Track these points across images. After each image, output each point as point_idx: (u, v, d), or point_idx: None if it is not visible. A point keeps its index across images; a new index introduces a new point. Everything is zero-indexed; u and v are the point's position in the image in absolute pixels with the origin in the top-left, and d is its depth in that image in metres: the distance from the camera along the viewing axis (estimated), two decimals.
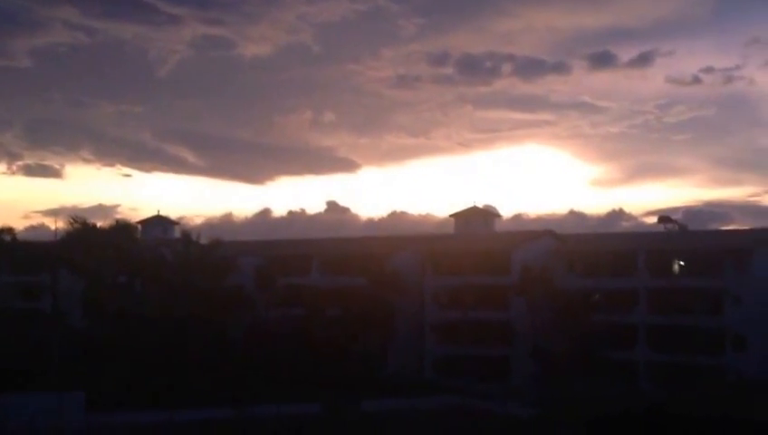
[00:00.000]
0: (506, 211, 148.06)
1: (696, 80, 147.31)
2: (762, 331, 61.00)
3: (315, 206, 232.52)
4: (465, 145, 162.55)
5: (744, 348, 60.27)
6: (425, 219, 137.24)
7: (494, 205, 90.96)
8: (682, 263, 66.49)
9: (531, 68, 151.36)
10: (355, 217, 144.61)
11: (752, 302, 60.95)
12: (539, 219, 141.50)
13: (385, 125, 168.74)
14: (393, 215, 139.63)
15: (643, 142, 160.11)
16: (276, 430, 46.43)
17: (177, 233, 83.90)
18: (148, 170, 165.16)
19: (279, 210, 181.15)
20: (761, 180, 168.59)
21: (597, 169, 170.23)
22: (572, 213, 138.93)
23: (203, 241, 71.47)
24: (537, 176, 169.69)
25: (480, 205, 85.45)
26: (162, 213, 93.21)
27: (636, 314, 65.04)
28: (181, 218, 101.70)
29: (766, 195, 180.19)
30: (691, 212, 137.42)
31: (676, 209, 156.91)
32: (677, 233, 72.37)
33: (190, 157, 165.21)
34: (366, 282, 70.13)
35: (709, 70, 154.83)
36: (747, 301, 60.98)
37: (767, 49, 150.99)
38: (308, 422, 47.46)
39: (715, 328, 61.47)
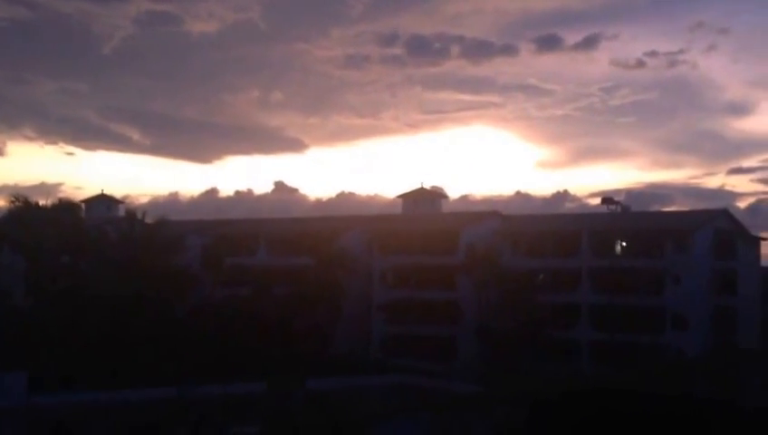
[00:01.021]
0: (453, 192, 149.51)
1: (640, 63, 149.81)
2: (700, 310, 62.70)
3: (263, 186, 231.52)
4: (414, 126, 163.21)
5: (683, 327, 61.87)
6: (373, 200, 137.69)
7: (441, 186, 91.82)
8: (624, 244, 67.83)
9: (479, 50, 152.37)
10: (303, 198, 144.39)
11: (691, 282, 62.56)
12: (486, 200, 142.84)
13: (333, 105, 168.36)
14: (341, 195, 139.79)
15: (588, 125, 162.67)
16: (222, 410, 46.28)
17: (121, 212, 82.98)
18: (92, 149, 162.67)
19: (226, 190, 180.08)
20: (701, 163, 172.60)
21: (543, 151, 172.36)
22: (519, 194, 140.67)
23: (148, 220, 70.64)
24: (484, 157, 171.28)
25: (428, 186, 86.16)
26: (106, 192, 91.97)
27: (579, 293, 66.26)
28: (126, 197, 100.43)
29: (706, 177, 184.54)
30: (634, 194, 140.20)
31: (619, 191, 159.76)
32: (620, 214, 73.72)
33: (135, 135, 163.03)
34: (313, 262, 70.18)
35: (653, 54, 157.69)
36: (687, 281, 62.57)
37: (711, 34, 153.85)
38: (254, 402, 47.38)
39: (656, 307, 62.95)
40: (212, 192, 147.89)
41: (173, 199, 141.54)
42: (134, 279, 61.01)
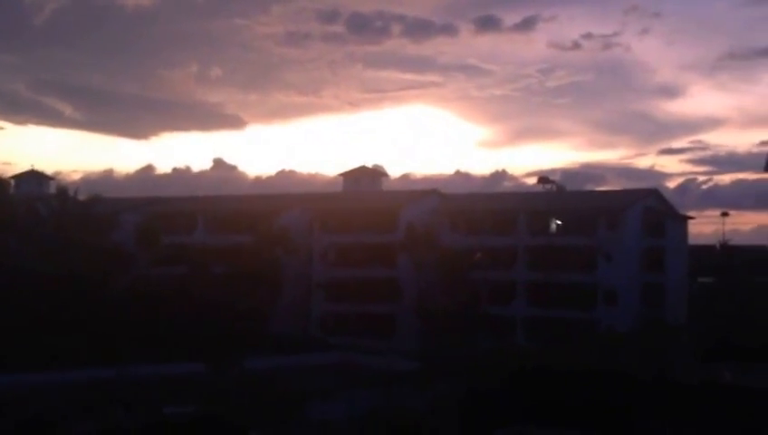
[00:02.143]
0: (394, 171, 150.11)
1: (577, 45, 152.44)
2: (630, 286, 64.51)
3: (201, 163, 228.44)
4: (354, 104, 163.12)
5: (614, 302, 63.59)
6: (313, 178, 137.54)
7: (382, 164, 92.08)
8: (559, 222, 69.24)
9: (420, 29, 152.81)
10: (242, 175, 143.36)
11: (622, 259, 64.26)
12: (426, 179, 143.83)
13: (273, 82, 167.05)
14: (281, 173, 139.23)
15: (526, 105, 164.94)
16: (157, 390, 45.99)
17: (52, 189, 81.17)
18: (22, 123, 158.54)
19: (163, 167, 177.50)
20: (633, 144, 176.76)
21: (482, 131, 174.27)
22: (458, 173, 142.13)
23: (81, 197, 69.26)
24: (424, 136, 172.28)
25: (368, 164, 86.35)
26: (37, 168, 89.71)
27: (515, 271, 67.47)
28: (58, 174, 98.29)
29: (638, 158, 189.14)
30: (569, 173, 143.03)
31: (555, 171, 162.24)
32: (555, 193, 75.14)
33: (68, 110, 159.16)
34: (253, 240, 69.78)
35: (589, 36, 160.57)
36: (618, 258, 64.25)
37: (644, 17, 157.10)
38: (191, 381, 47.18)
39: (588, 284, 64.51)
40: (148, 169, 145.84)
41: (107, 176, 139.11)
42: (66, 258, 59.87)
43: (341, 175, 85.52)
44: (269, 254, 68.37)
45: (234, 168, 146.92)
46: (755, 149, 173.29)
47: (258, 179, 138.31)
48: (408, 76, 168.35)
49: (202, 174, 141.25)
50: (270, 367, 52.27)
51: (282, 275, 68.96)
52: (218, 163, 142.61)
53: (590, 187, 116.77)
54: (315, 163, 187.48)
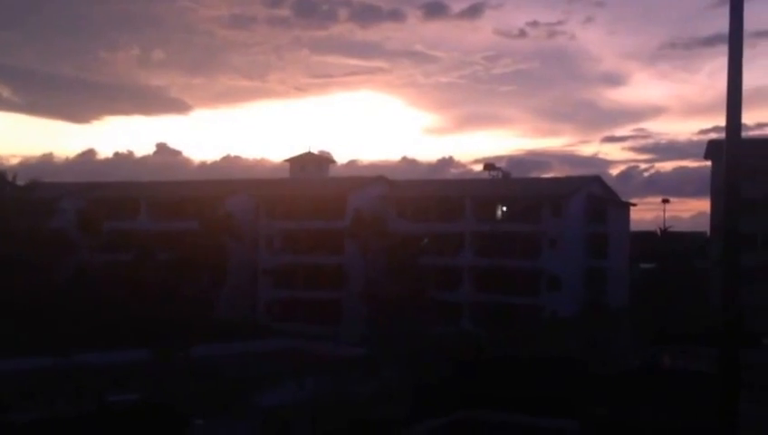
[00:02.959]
0: (341, 157, 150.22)
1: (522, 33, 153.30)
2: (574, 272, 65.61)
3: (144, 147, 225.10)
4: (301, 89, 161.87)
5: (557, 288, 64.61)
6: (259, 164, 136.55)
7: (328, 150, 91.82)
8: (504, 208, 69.99)
9: (367, 14, 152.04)
10: (187, 160, 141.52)
11: (566, 245, 65.29)
12: (373, 166, 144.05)
13: (218, 66, 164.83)
14: (227, 159, 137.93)
15: (472, 92, 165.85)
16: (101, 378, 45.28)
17: None
18: None
19: (105, 151, 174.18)
20: (577, 131, 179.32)
21: (429, 118, 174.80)
22: (405, 160, 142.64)
23: (20, 183, 67.62)
24: (371, 122, 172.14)
25: (315, 150, 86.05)
26: None
27: (462, 257, 68.05)
28: None
29: (582, 145, 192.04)
30: (514, 160, 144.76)
31: (501, 158, 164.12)
32: (501, 180, 75.87)
33: (5, 92, 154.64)
34: (198, 226, 69.06)
35: (534, 24, 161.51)
36: (562, 244, 65.26)
37: (588, 6, 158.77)
38: (135, 369, 46.54)
39: (533, 270, 65.42)
40: (89, 153, 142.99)
41: (47, 161, 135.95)
42: (5, 243, 58.44)
43: (288, 161, 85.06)
44: (214, 240, 67.75)
45: (178, 153, 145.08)
46: (695, 138, 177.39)
47: (203, 165, 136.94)
48: (355, 62, 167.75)
49: (145, 159, 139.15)
50: (215, 354, 51.81)
51: (227, 261, 68.48)
52: (162, 148, 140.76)
53: (535, 174, 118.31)
54: (261, 149, 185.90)
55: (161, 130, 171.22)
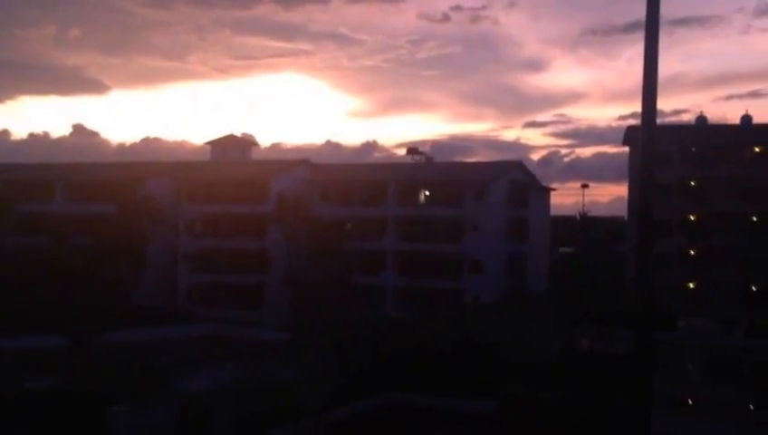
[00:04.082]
0: (264, 140, 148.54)
1: (446, 18, 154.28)
2: (496, 256, 66.46)
3: (60, 128, 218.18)
4: (223, 71, 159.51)
5: (480, 272, 65.35)
6: (180, 146, 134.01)
7: (251, 133, 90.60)
8: (428, 193, 70.34)
9: None
10: (105, 142, 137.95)
11: (488, 229, 66.03)
12: (296, 149, 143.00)
13: (137, 46, 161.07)
14: (146, 141, 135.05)
15: (396, 76, 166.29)
16: (16, 364, 43.81)
17: None
18: None
19: (19, 132, 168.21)
20: (500, 116, 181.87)
21: (353, 101, 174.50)
22: (329, 143, 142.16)
23: None
24: (295, 105, 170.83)
25: (237, 133, 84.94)
26: None
27: (385, 241, 68.16)
28: None
29: (504, 130, 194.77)
30: (438, 145, 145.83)
31: (425, 142, 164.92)
32: (424, 165, 76.20)
33: None
34: (116, 209, 67.39)
35: (458, 8, 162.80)
36: (484, 229, 65.96)
37: None
38: (51, 355, 45.18)
39: (456, 254, 65.98)
40: (3, 134, 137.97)
41: None
42: None
43: (209, 143, 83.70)
44: (133, 224, 66.19)
45: (95, 134, 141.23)
46: (615, 123, 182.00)
47: (122, 147, 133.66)
48: (279, 44, 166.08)
49: (61, 140, 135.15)
50: (134, 340, 50.76)
51: (147, 245, 66.98)
52: (79, 129, 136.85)
53: (458, 158, 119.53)
54: (182, 131, 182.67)
55: (78, 111, 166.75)
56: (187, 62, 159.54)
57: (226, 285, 69.10)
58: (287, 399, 34.88)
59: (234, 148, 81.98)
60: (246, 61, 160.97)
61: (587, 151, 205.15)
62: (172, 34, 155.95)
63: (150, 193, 69.97)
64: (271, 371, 41.40)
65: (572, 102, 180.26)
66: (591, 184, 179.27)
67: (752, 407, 35.17)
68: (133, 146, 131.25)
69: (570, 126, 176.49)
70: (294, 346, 49.94)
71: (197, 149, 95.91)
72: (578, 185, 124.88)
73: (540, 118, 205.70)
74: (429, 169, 74.73)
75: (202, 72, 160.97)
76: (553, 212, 79.03)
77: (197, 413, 33.45)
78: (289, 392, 35.72)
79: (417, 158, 77.44)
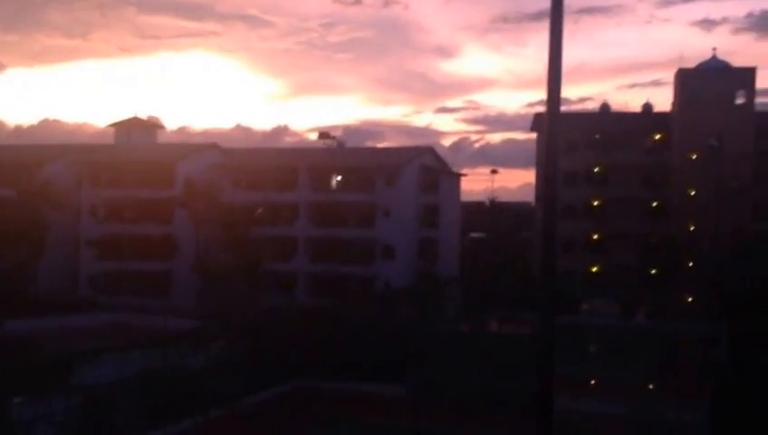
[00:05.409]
0: (171, 123, 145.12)
1: (357, 1, 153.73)
2: (407, 241, 66.79)
3: None
4: (127, 50, 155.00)
5: (391, 257, 65.56)
6: (81, 128, 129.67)
7: (157, 115, 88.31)
8: (339, 178, 70.03)
9: None
10: (0, 124, 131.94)
11: (399, 215, 66.26)
12: (205, 133, 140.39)
13: (35, 22, 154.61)
14: (45, 122, 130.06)
15: (308, 59, 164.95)
16: None
17: None
18: None
19: None
20: (411, 101, 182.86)
21: (264, 84, 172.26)
22: (239, 127, 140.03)
23: None
24: (203, 87, 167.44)
25: (143, 115, 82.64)
26: None
27: (297, 227, 67.59)
28: None
29: (415, 115, 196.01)
30: (350, 130, 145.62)
31: (336, 127, 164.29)
32: (336, 150, 75.81)
33: None
34: (13, 194, 64.71)
35: None
36: (396, 214, 66.16)
37: None
38: None
39: (368, 239, 65.99)
40: None
41: None
42: None
43: (113, 126, 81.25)
44: (32, 209, 63.72)
45: None
46: (523, 110, 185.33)
47: (19, 129, 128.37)
48: (186, 23, 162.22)
49: None
50: (33, 329, 48.90)
51: (46, 231, 64.58)
52: None
53: (370, 143, 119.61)
54: (83, 113, 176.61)
55: None
56: (88, 39, 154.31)
57: (132, 273, 67.30)
58: (197, 387, 34.16)
59: (139, 130, 79.75)
60: (152, 40, 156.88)
61: (496, 137, 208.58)
62: (73, 11, 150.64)
63: (50, 177, 67.51)
64: (179, 359, 40.49)
65: (483, 89, 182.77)
66: (501, 169, 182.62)
67: (651, 387, 36.36)
68: (31, 128, 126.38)
69: (480, 112, 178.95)
70: (203, 334, 49.02)
71: (100, 132, 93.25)
72: (488, 171, 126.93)
73: (450, 104, 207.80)
74: (341, 154, 74.38)
75: (105, 50, 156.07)
76: (464, 198, 79.96)
77: (100, 404, 32.40)
78: (198, 380, 35.01)
79: (328, 142, 76.97)
